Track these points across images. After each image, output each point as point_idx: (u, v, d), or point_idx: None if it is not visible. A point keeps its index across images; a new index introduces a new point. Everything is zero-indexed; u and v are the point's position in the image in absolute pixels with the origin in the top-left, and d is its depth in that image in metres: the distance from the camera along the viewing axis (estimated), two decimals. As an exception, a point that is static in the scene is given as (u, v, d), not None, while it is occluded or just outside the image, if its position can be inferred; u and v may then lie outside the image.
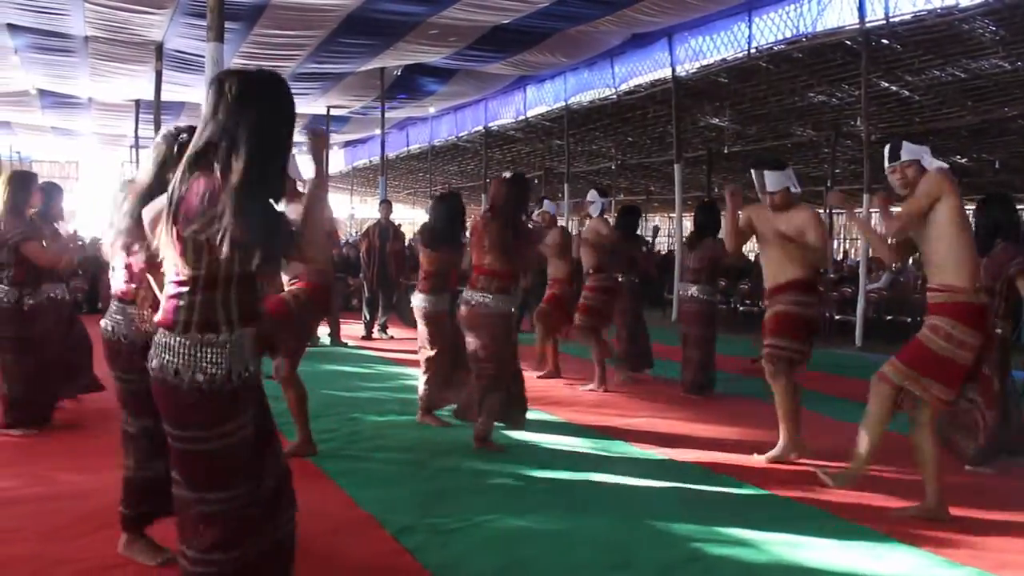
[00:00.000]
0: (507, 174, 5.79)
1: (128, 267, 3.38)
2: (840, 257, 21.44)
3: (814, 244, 5.22)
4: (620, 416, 6.67)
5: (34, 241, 5.52)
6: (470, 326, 5.54)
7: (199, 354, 2.44)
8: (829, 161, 16.76)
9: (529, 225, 6.10)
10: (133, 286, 3.40)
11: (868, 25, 11.84)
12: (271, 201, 2.45)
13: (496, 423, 5.62)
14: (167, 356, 2.46)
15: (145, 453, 3.33)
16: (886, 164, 4.39)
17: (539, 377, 8.25)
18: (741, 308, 14.71)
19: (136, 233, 3.06)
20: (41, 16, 13.40)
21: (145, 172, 3.28)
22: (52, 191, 6.21)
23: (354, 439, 5.66)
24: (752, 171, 5.46)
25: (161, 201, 2.61)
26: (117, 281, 3.47)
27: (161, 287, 3.05)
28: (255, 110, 2.44)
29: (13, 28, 14.14)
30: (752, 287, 14.67)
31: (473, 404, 5.65)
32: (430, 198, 27.46)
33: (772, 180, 5.33)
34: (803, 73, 14.08)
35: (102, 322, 3.49)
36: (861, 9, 11.84)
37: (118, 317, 3.43)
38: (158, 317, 2.56)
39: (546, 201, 8.77)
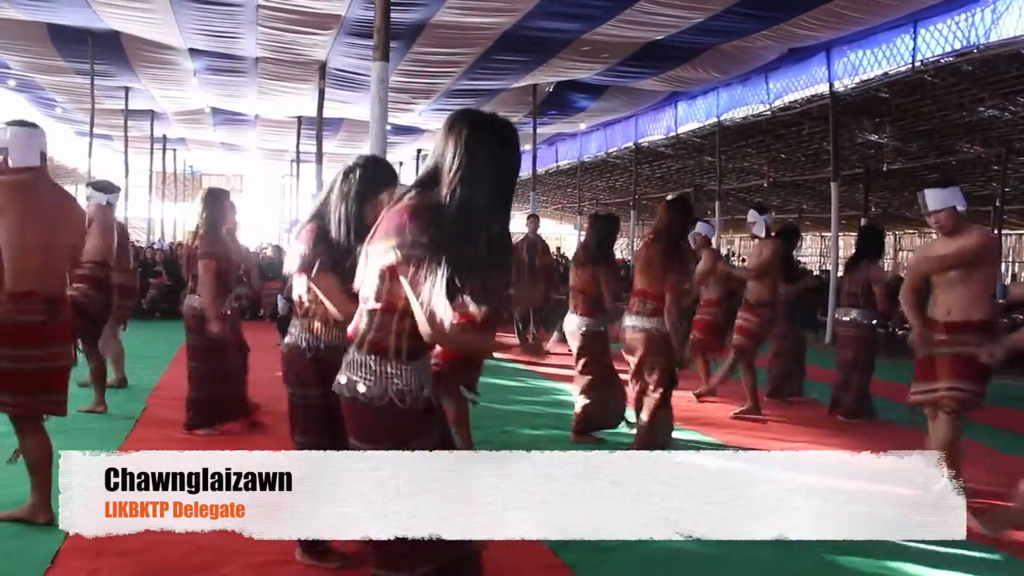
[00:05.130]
0: (670, 196, 5.79)
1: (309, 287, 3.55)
2: (1008, 281, 20.25)
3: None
4: (776, 440, 6.52)
5: (214, 260, 5.88)
6: (629, 348, 5.56)
7: (383, 372, 2.46)
8: (998, 180, 15.88)
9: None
10: (307, 304, 3.60)
11: (1050, 34, 11.15)
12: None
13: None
14: (353, 372, 2.50)
15: None
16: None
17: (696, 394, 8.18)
18: (900, 332, 14.08)
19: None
20: (218, 40, 14.31)
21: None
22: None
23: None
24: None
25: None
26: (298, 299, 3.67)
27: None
28: (473, 150, 2.39)
29: (194, 52, 15.17)
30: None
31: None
32: (578, 214, 27.58)
33: (933, 198, 4.83)
34: (973, 86, 13.40)
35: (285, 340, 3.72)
36: (1042, 17, 11.16)
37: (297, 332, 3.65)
38: (350, 332, 2.58)
39: (700, 223, 8.31)
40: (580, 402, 6.26)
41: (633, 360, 5.56)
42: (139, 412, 6.72)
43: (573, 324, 6.26)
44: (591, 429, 6.30)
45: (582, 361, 6.24)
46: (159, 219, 29.42)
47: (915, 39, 13.01)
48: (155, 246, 20.64)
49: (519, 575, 3.60)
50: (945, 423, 4.85)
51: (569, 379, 6.69)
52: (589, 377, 6.20)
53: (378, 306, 2.45)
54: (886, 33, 13.54)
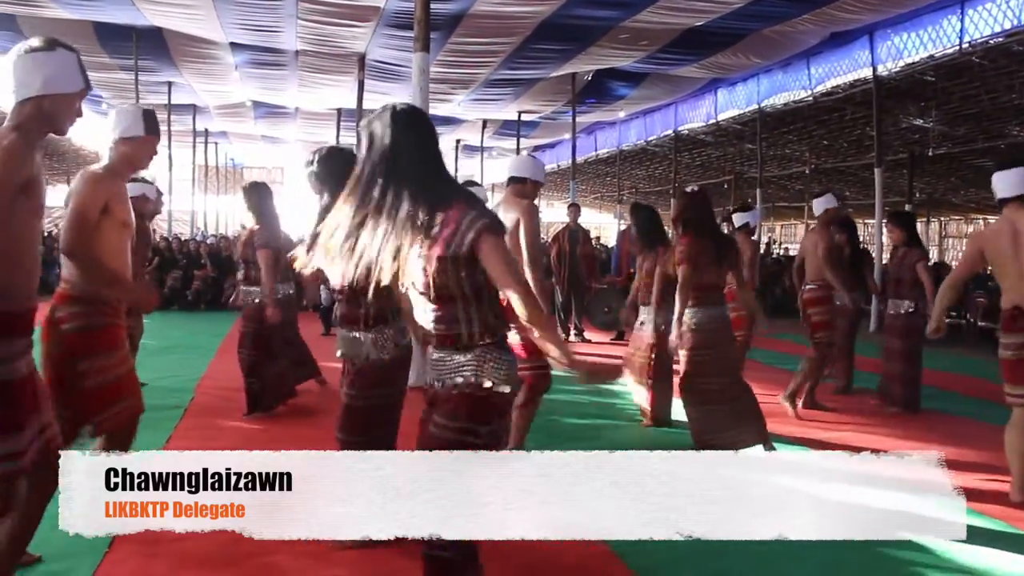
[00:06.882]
0: (692, 187, 5.78)
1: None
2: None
3: None
4: (822, 429, 6.46)
5: (269, 250, 6.06)
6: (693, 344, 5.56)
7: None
8: (1050, 163, 15.48)
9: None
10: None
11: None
12: None
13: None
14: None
15: None
16: None
17: None
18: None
19: None
20: (259, 34, 14.46)
21: None
22: None
23: (555, 440, 5.73)
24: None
25: None
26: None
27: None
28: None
29: (235, 47, 15.34)
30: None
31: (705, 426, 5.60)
32: (618, 203, 27.45)
33: (1001, 183, 4.65)
34: (1023, 68, 13.11)
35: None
36: (1097, -8, 10.85)
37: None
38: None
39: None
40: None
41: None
42: (187, 402, 6.83)
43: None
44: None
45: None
46: (202, 212, 29.80)
47: (962, 20, 12.74)
48: (198, 238, 20.91)
49: (569, 562, 3.62)
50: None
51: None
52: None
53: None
54: (932, 15, 13.28)
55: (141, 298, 3.57)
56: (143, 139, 3.59)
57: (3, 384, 2.64)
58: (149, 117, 3.64)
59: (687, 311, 5.48)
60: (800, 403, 7.13)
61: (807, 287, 7.29)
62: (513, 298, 2.43)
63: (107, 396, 3.56)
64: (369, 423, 3.76)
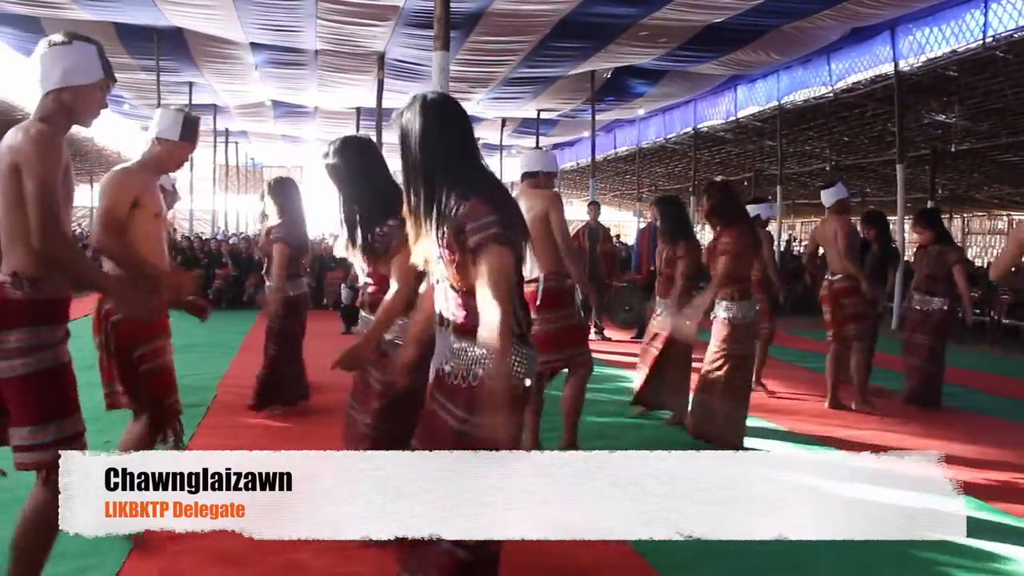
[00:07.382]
0: (720, 179, 5.75)
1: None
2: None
3: None
4: (845, 427, 6.41)
5: (280, 244, 6.10)
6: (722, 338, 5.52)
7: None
8: (1075, 158, 15.35)
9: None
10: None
11: None
12: None
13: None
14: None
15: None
16: None
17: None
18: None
19: None
20: (279, 34, 14.53)
21: None
22: None
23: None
24: None
25: None
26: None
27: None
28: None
29: (255, 47, 15.43)
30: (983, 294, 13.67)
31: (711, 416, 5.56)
32: (637, 200, 27.37)
33: None
34: (1049, 62, 12.95)
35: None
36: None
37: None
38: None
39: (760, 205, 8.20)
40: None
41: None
42: (209, 400, 6.87)
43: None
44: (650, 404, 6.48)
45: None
46: (223, 211, 29.97)
47: (986, 14, 12.61)
48: (219, 237, 21.02)
49: (590, 561, 3.62)
50: None
51: (630, 366, 6.70)
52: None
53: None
54: (954, 9, 13.16)
55: (172, 285, 3.64)
56: (177, 144, 3.74)
57: (61, 367, 2.80)
58: (189, 124, 3.76)
59: (732, 304, 5.46)
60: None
61: (836, 277, 7.16)
62: (489, 313, 2.36)
63: (167, 379, 3.72)
64: (396, 413, 3.73)
